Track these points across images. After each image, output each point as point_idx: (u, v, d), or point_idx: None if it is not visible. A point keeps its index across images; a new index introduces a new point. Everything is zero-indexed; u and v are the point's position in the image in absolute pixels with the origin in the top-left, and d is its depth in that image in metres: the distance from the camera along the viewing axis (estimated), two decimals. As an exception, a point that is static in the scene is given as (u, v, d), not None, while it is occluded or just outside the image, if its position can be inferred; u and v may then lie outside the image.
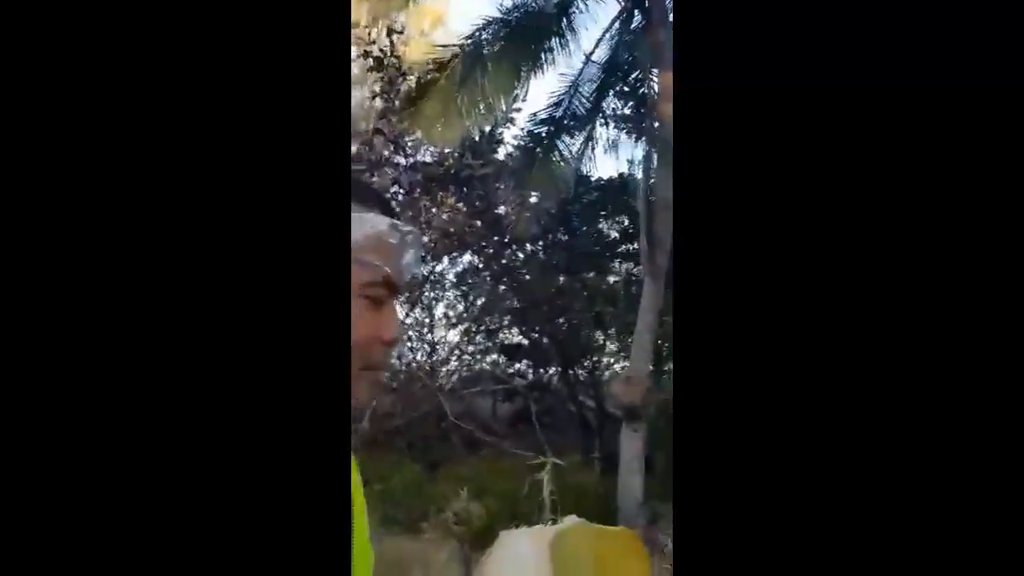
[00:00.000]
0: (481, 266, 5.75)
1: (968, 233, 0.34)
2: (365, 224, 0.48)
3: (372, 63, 4.71)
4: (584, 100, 5.13)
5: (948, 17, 0.36)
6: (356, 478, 0.56)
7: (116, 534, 0.33)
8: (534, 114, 5.21)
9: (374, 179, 4.49)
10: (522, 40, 4.70)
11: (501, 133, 5.56)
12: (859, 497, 0.33)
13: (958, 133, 0.35)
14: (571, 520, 0.52)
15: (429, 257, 5.41)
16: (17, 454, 0.32)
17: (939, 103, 0.35)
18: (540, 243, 5.95)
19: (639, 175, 5.40)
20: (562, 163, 5.30)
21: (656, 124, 4.31)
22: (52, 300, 0.33)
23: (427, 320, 5.97)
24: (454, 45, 4.83)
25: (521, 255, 5.87)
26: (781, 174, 0.37)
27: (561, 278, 5.90)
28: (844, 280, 0.35)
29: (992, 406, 0.32)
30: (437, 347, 6.01)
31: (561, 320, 5.88)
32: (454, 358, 5.93)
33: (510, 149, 5.68)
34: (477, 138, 5.08)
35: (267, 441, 0.35)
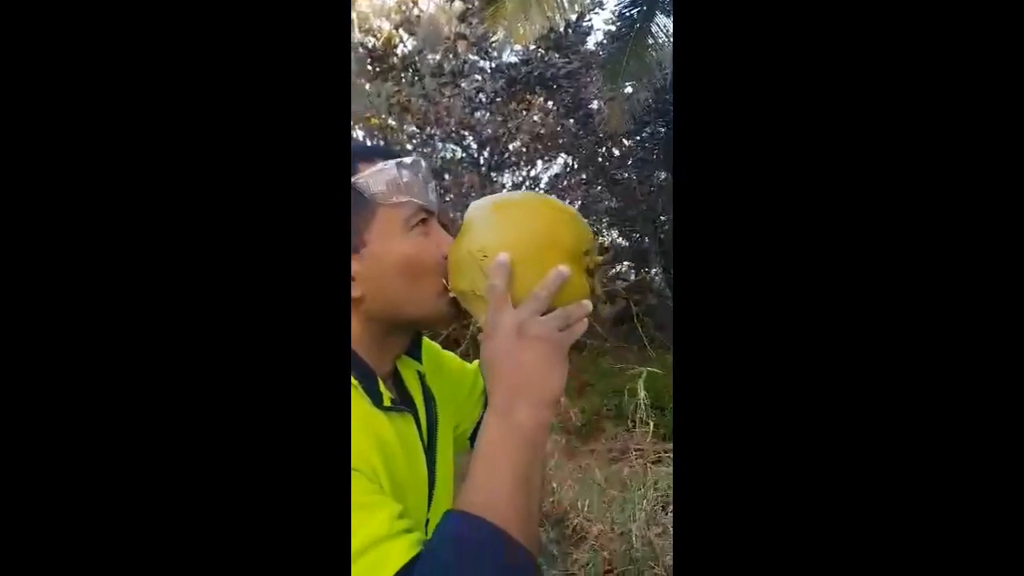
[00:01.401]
0: (576, 167, 5.61)
1: (967, 232, 0.33)
2: (384, 174, 0.54)
3: (448, -40, 4.49)
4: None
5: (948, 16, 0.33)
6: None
7: (117, 526, 0.33)
8: (624, -7, 4.74)
9: (460, 88, 4.43)
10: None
11: (590, 20, 5.16)
12: (859, 497, 0.33)
13: (958, 132, 0.33)
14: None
15: (522, 162, 5.36)
16: (16, 453, 0.32)
17: (939, 102, 0.33)
18: (637, 138, 5.63)
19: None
20: (656, 48, 4.84)
21: None
22: (50, 295, 0.33)
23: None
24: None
25: (617, 152, 5.62)
26: (780, 174, 0.36)
27: (661, 174, 5.60)
28: (844, 280, 0.35)
29: (992, 404, 0.32)
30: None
31: (663, 218, 5.66)
32: (553, 262, 6.01)
33: (600, 37, 5.28)
34: (563, 30, 4.76)
35: (267, 436, 0.35)
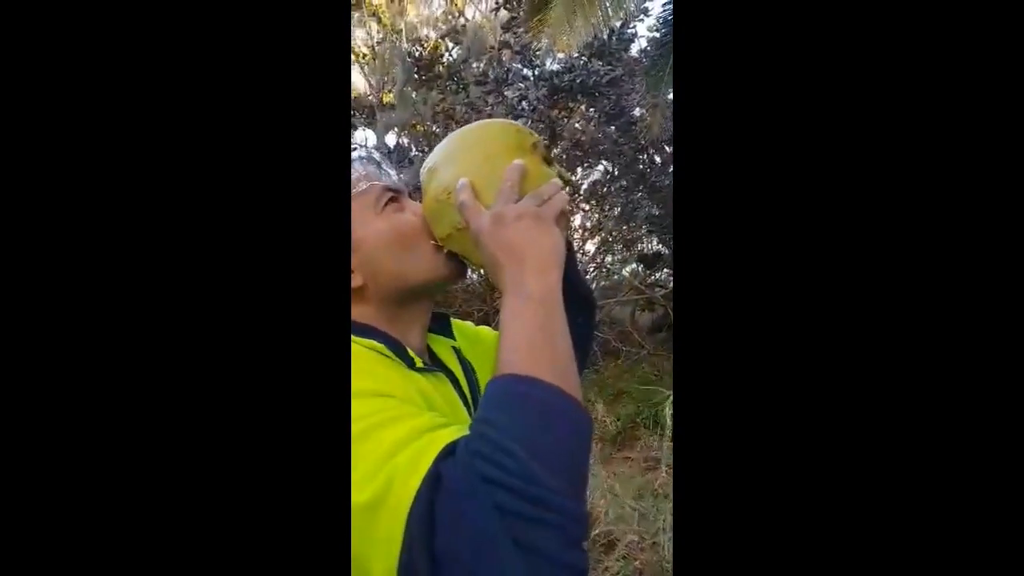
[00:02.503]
0: (616, 173, 5.58)
1: (968, 228, 0.33)
2: (355, 167, 0.59)
3: (494, -29, 4.57)
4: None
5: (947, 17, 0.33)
6: None
7: (118, 514, 0.32)
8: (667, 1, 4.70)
9: (503, 96, 4.49)
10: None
11: (633, 27, 5.14)
12: (860, 495, 0.33)
13: (956, 131, 0.33)
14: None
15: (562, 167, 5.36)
16: (16, 453, 0.31)
17: (938, 102, 0.33)
18: (679, 145, 5.53)
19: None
20: (701, 54, 4.75)
21: None
22: (45, 284, 0.32)
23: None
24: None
25: (658, 159, 5.56)
26: (780, 174, 0.36)
27: (703, 181, 5.48)
28: (845, 280, 0.34)
29: (992, 404, 0.32)
30: (575, 258, 6.03)
31: (703, 226, 5.53)
32: (591, 268, 6.00)
33: (644, 44, 5.25)
34: (606, 38, 4.76)
35: (268, 432, 0.35)
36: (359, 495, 0.39)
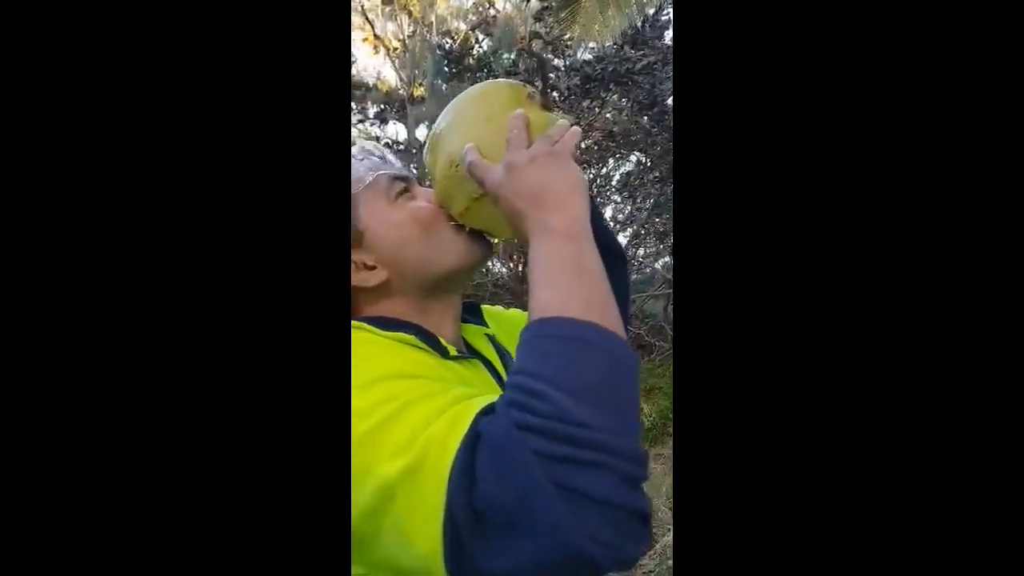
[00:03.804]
0: (649, 164, 5.48)
1: (969, 223, 0.32)
2: (357, 164, 0.57)
3: (525, -40, 4.52)
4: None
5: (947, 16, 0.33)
6: None
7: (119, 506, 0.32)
8: (705, -15, 4.56)
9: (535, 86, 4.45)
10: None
11: (667, 13, 5.02)
12: (861, 495, 0.33)
13: (956, 131, 0.32)
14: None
15: (594, 159, 5.31)
16: (15, 453, 0.31)
17: (938, 101, 0.33)
18: (715, 135, 5.40)
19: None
20: (738, 40, 4.62)
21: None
22: (45, 285, 0.32)
23: (595, 225, 5.92)
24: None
25: (693, 150, 5.43)
26: (780, 174, 0.35)
27: (740, 172, 5.35)
28: (847, 279, 0.34)
29: (992, 404, 0.31)
30: (607, 251, 5.98)
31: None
32: (624, 262, 5.91)
33: (678, 31, 5.12)
34: (639, 25, 4.66)
35: (267, 436, 0.34)
36: (395, 464, 0.38)
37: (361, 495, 0.38)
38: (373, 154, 0.60)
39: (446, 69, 4.84)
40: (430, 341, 0.54)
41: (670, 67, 4.80)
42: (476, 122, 0.56)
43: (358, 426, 0.39)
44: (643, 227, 5.66)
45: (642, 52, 4.29)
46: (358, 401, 0.40)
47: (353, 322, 0.51)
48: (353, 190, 0.56)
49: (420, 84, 5.33)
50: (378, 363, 0.46)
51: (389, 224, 0.56)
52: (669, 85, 5.03)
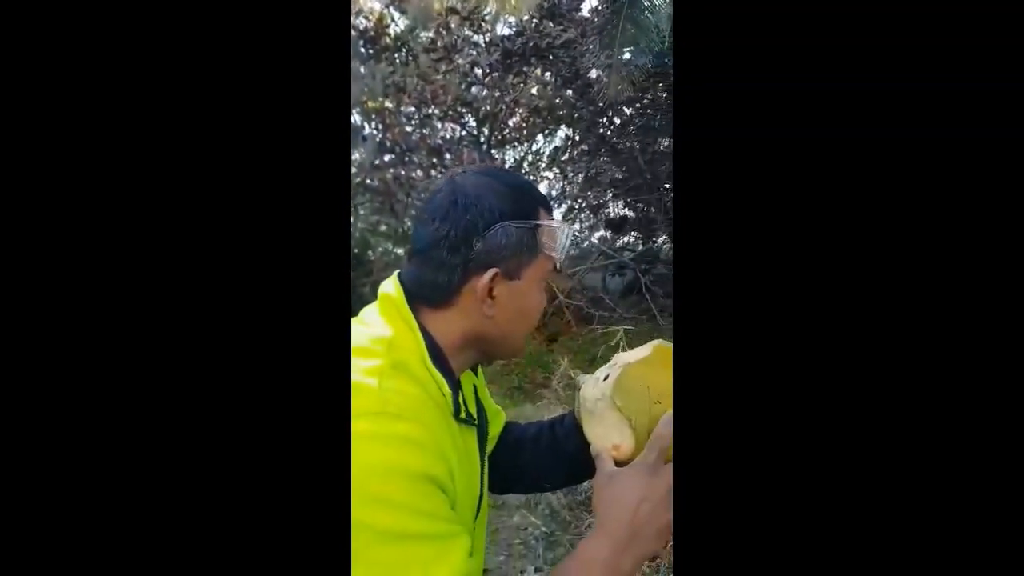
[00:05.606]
0: (577, 139, 5.52)
1: (966, 232, 0.33)
2: (559, 233, 0.60)
3: (434, -67, 4.39)
4: (673, -74, 4.40)
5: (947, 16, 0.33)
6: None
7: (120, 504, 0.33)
8: (617, -45, 4.59)
9: (455, 63, 4.37)
10: None
11: (583, -15, 5.03)
12: (862, 495, 0.33)
13: (956, 131, 0.33)
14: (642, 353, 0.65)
15: (523, 136, 5.30)
16: (15, 453, 0.31)
17: (938, 101, 0.33)
18: (637, 105, 5.50)
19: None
20: (652, 10, 4.70)
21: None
22: (47, 286, 0.33)
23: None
24: None
25: (618, 121, 5.52)
26: (780, 174, 0.36)
27: (664, 141, 5.48)
28: (846, 279, 0.34)
29: (991, 404, 0.32)
30: (542, 228, 6.01)
31: (666, 187, 5.57)
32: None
33: (595, 2, 5.15)
34: (556, -2, 4.64)
35: (269, 430, 0.35)
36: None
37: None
38: (566, 236, 0.62)
39: (362, 51, 4.68)
40: (455, 396, 0.58)
41: (590, 39, 4.82)
42: (648, 399, 0.60)
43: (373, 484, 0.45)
44: (576, 201, 5.72)
45: (561, 26, 4.28)
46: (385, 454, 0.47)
47: (417, 321, 0.57)
48: (548, 250, 0.60)
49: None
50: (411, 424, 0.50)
51: (530, 295, 0.60)
52: (590, 58, 5.06)
